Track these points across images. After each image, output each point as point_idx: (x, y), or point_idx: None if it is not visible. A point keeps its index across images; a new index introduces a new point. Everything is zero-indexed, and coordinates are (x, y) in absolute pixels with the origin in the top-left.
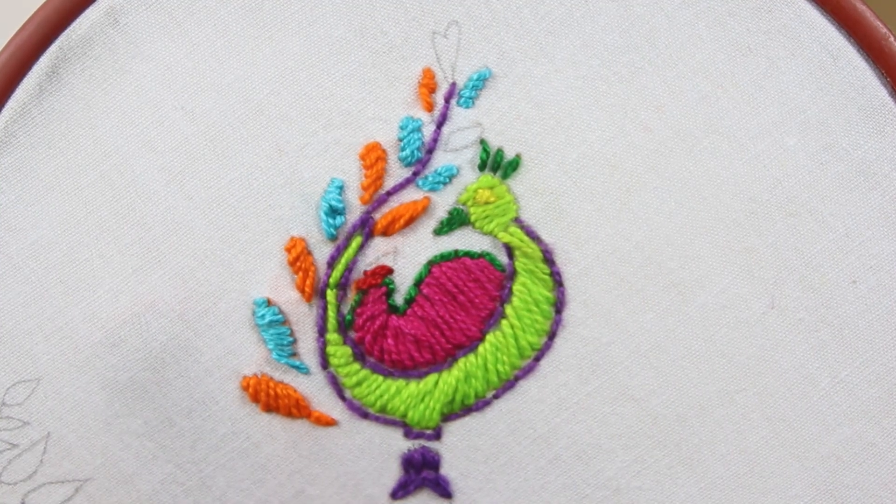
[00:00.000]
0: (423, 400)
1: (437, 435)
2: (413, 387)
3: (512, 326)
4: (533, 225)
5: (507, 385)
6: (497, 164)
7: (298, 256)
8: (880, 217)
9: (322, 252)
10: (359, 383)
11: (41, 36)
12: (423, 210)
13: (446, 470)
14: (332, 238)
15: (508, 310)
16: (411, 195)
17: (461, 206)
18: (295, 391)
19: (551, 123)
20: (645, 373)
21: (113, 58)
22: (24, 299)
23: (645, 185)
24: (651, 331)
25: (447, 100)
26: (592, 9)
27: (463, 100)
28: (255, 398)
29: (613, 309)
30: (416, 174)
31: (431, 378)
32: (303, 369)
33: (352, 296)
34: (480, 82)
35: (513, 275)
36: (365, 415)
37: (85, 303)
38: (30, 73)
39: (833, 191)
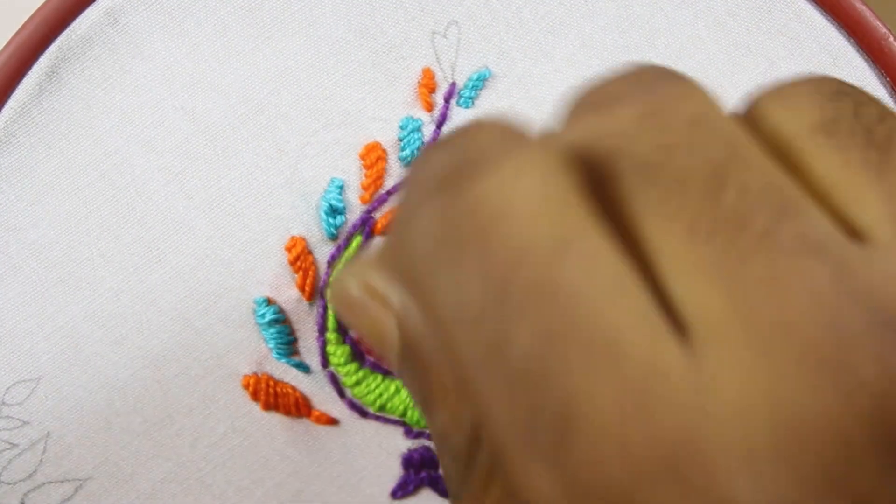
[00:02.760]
0: None
1: None
2: None
3: None
4: None
5: None
6: None
7: (299, 256)
8: None
9: (322, 251)
10: (358, 382)
11: (41, 36)
12: None
13: None
14: (333, 237)
15: None
16: None
17: None
18: (295, 390)
19: None
20: None
21: (113, 58)
22: (25, 299)
23: None
24: None
25: (447, 100)
26: (592, 9)
27: (463, 100)
28: (255, 397)
29: None
30: None
31: None
32: (303, 368)
33: None
34: (480, 82)
35: None
36: (364, 414)
37: (85, 302)
38: (29, 73)
39: None
